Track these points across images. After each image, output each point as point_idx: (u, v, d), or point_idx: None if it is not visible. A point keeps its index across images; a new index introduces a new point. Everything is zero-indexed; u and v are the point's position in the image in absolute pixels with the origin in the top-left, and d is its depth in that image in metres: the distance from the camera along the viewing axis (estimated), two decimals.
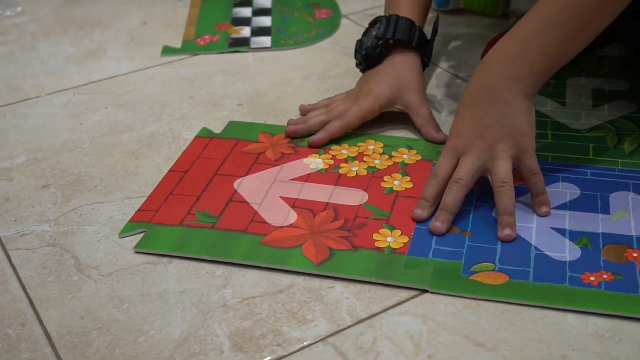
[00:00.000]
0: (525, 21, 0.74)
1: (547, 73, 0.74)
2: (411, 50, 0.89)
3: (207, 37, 1.13)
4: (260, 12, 1.21)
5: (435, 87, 0.97)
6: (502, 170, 0.72)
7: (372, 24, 0.93)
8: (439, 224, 0.71)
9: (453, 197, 0.71)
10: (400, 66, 0.88)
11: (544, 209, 0.73)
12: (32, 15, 1.23)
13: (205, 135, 0.88)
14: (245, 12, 1.21)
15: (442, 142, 0.81)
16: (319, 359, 0.59)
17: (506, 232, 0.70)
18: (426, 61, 0.92)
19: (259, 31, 1.14)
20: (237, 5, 1.23)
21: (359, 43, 0.92)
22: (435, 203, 0.73)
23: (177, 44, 1.11)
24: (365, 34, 0.93)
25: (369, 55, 0.89)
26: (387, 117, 0.89)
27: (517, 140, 0.72)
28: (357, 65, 0.92)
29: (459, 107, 0.77)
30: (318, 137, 0.84)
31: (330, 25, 1.16)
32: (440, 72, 1.00)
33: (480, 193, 0.75)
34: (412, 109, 0.87)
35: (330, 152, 0.84)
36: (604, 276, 0.64)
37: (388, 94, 0.87)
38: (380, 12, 1.15)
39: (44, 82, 1.02)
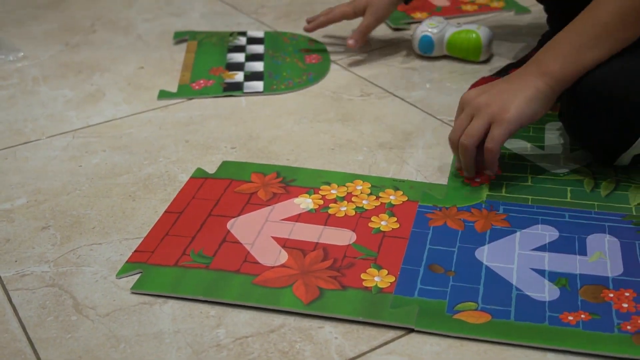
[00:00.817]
0: (563, 33, 0.82)
1: (568, 75, 0.81)
2: None
3: (202, 81, 1.13)
4: (253, 57, 1.22)
5: (419, 129, 0.98)
6: (470, 131, 0.81)
7: None
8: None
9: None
10: None
11: (488, 173, 0.85)
12: (34, 60, 1.23)
13: (199, 176, 0.89)
14: (239, 57, 1.22)
15: (350, 47, 1.18)
16: None
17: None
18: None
19: (251, 76, 1.15)
20: (231, 50, 1.24)
21: None
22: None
23: (173, 88, 1.12)
24: None
25: None
26: (375, 158, 0.91)
27: (499, 112, 0.80)
28: None
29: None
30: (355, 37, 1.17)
31: (320, 70, 1.17)
32: (425, 116, 1.02)
33: (464, 235, 0.76)
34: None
35: (320, 192, 0.84)
36: (582, 316, 0.65)
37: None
38: (366, 59, 1.18)
39: (44, 125, 1.03)
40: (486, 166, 0.83)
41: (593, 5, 0.81)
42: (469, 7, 1.37)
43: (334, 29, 1.31)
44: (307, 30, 1.22)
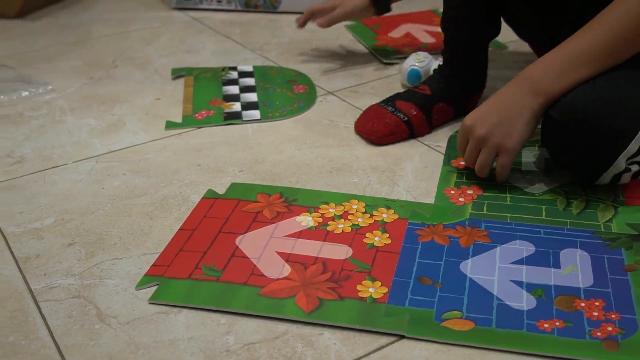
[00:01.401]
0: (556, 52, 0.82)
1: (558, 91, 0.81)
2: None
3: (203, 112, 1.13)
4: (246, 89, 1.21)
5: (407, 154, 0.99)
6: (479, 164, 0.86)
7: None
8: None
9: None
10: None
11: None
12: (61, 92, 1.24)
13: (210, 197, 0.89)
14: (234, 89, 1.21)
15: (318, 25, 1.25)
16: None
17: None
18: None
19: (247, 105, 1.15)
20: (225, 84, 1.24)
21: None
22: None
23: (180, 119, 1.12)
24: None
25: None
26: (368, 180, 0.91)
27: (503, 143, 0.83)
28: None
29: (488, 100, 0.86)
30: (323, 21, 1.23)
31: (308, 99, 1.17)
32: (413, 142, 1.02)
33: (449, 250, 0.76)
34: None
35: (319, 211, 0.84)
36: (557, 323, 0.65)
37: None
38: (360, 90, 1.19)
39: (71, 151, 1.03)
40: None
41: (586, 28, 0.81)
42: None
43: (315, 62, 1.32)
44: (321, 25, 1.26)
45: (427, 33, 1.44)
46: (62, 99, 1.21)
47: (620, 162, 0.79)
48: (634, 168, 0.81)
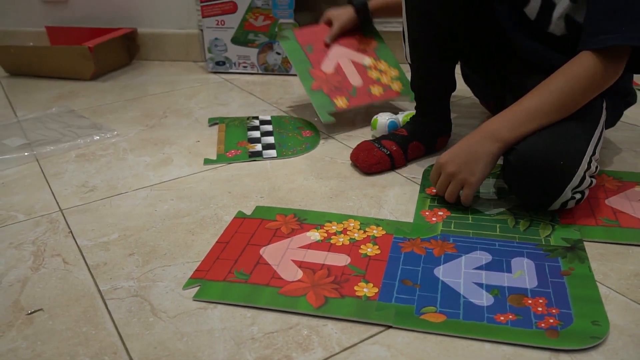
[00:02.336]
0: (512, 109, 0.83)
1: (513, 139, 0.81)
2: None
3: (233, 151, 1.13)
4: (265, 134, 1.22)
5: (391, 184, 0.98)
6: (448, 194, 0.86)
7: None
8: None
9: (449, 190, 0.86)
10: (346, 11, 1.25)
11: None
12: (124, 136, 1.24)
13: (240, 217, 0.88)
14: (256, 134, 1.22)
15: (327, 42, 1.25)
16: None
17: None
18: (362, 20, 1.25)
19: (267, 146, 1.15)
20: (250, 129, 1.24)
21: None
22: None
23: (215, 157, 1.12)
24: None
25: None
26: (361, 204, 0.91)
27: (468, 178, 0.83)
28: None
29: (458, 144, 0.85)
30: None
31: (313, 141, 1.17)
32: (394, 174, 1.02)
33: (425, 259, 0.75)
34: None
35: (324, 227, 0.84)
36: (510, 317, 0.64)
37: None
38: (353, 135, 1.19)
39: (131, 182, 1.03)
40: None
41: (539, 88, 0.81)
42: (375, 91, 1.21)
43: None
44: (326, 42, 1.25)
45: (354, 66, 1.23)
46: (125, 141, 1.21)
47: (567, 193, 0.79)
48: (577, 196, 0.81)
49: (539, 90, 0.81)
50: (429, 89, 1.06)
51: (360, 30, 1.28)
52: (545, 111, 0.80)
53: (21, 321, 0.68)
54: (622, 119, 1.05)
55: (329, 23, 1.28)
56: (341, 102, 0.85)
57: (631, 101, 1.01)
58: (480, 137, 0.83)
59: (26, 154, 1.14)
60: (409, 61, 1.07)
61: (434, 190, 0.90)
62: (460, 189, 0.84)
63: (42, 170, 1.08)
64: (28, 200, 0.97)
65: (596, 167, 0.82)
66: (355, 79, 1.22)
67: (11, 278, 0.76)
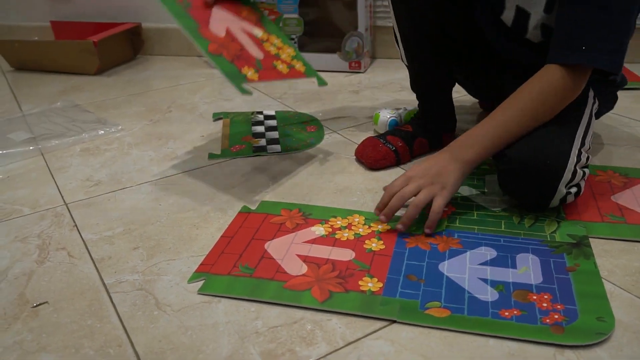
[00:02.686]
0: (479, 127, 0.82)
1: (479, 163, 0.82)
2: None
3: (237, 146, 1.13)
4: (270, 128, 1.21)
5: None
6: (419, 199, 0.79)
7: None
8: (401, 226, 0.79)
9: (411, 213, 0.79)
10: None
11: (427, 230, 0.79)
12: (128, 131, 1.24)
13: (245, 211, 0.88)
14: (260, 129, 1.21)
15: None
16: None
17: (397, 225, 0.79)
18: None
19: (271, 141, 1.15)
20: (254, 124, 1.24)
21: None
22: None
23: (219, 151, 1.12)
24: None
25: None
26: (365, 199, 0.91)
27: (438, 189, 0.79)
28: None
29: (426, 159, 0.83)
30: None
31: (318, 136, 1.17)
32: (399, 170, 1.02)
33: (430, 254, 0.75)
34: None
35: (329, 222, 0.84)
36: (515, 312, 0.64)
37: None
38: (357, 130, 1.19)
39: (135, 176, 1.03)
40: (428, 225, 0.79)
41: (506, 104, 0.81)
42: (281, 67, 0.93)
43: (322, 108, 1.32)
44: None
45: (247, 36, 0.94)
46: (129, 136, 1.22)
47: (561, 189, 0.79)
48: (573, 190, 0.80)
49: (503, 109, 0.81)
50: (427, 86, 1.06)
51: None
52: (510, 130, 0.80)
53: (26, 314, 0.68)
54: (629, 114, 1.05)
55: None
56: (250, 74, 0.75)
57: (621, 84, 1.00)
58: (448, 157, 0.82)
59: (31, 148, 1.14)
60: (406, 62, 1.07)
61: (381, 215, 0.81)
62: (429, 199, 0.79)
63: (47, 164, 1.09)
64: (33, 194, 0.98)
65: (587, 158, 0.82)
66: (254, 50, 0.93)
67: (16, 271, 0.76)
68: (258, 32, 0.82)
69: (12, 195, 0.97)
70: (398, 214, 0.82)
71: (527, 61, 0.87)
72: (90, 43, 1.60)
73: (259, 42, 0.93)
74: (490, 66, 1.01)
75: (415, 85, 1.08)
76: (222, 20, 0.87)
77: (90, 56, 1.62)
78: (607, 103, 1.01)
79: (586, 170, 0.81)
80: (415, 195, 0.79)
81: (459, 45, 1.02)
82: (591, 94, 0.91)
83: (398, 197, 0.79)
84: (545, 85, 0.79)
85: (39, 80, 1.63)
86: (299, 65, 0.86)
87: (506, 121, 0.81)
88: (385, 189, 0.84)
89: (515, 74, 0.88)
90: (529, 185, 0.80)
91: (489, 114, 0.83)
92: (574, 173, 0.78)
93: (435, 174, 0.81)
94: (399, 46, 1.05)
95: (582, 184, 0.81)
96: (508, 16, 0.88)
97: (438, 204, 0.79)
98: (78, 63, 1.64)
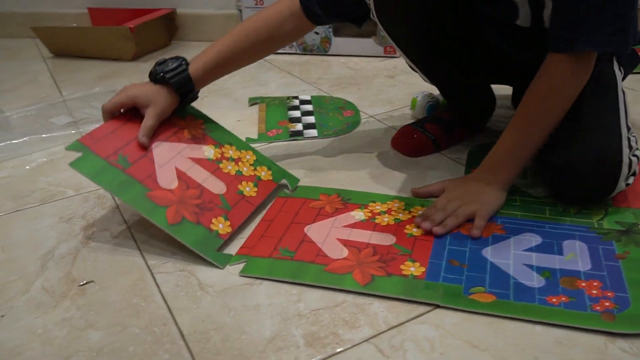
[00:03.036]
0: (501, 144, 0.80)
1: (515, 177, 0.81)
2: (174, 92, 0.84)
3: (274, 131, 1.13)
4: (306, 113, 1.21)
5: (434, 164, 0.97)
6: (462, 211, 0.77)
7: (176, 58, 0.85)
8: (440, 230, 0.75)
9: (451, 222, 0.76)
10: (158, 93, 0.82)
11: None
12: None
13: (283, 196, 0.88)
14: (296, 114, 1.21)
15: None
16: (364, 355, 0.58)
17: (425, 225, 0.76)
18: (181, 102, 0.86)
19: (307, 126, 1.15)
20: (290, 109, 1.23)
21: (163, 61, 0.85)
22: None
23: (256, 136, 1.12)
24: (170, 59, 0.85)
25: (152, 74, 0.83)
26: (403, 184, 0.90)
27: (477, 208, 0.77)
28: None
29: (460, 185, 0.82)
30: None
31: (354, 121, 1.16)
32: (438, 155, 1.00)
33: (473, 239, 0.74)
34: None
35: (368, 207, 0.83)
36: (563, 299, 0.63)
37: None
38: (393, 115, 1.18)
39: None
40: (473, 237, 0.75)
41: (516, 117, 0.79)
42: (248, 191, 0.84)
43: (358, 93, 1.31)
44: (143, 143, 0.80)
45: (198, 165, 0.82)
46: None
47: (621, 184, 0.76)
48: (630, 180, 0.78)
49: (521, 116, 0.78)
50: (446, 78, 1.01)
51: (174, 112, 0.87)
52: (534, 135, 0.78)
53: (74, 292, 0.70)
54: None
55: (134, 109, 0.83)
56: (223, 227, 0.70)
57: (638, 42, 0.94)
58: (484, 183, 0.80)
59: (73, 131, 1.16)
60: (412, 66, 1.00)
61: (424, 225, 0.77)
62: (470, 215, 0.77)
63: None
64: (76, 176, 0.98)
65: (635, 141, 0.79)
66: (214, 185, 0.81)
67: (63, 251, 0.78)
68: (209, 152, 0.71)
69: (56, 178, 0.99)
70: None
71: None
72: (127, 29, 1.61)
73: (214, 168, 0.80)
74: (492, 65, 0.97)
75: (434, 81, 1.03)
76: (167, 161, 0.70)
77: (127, 42, 1.63)
78: (629, 64, 0.94)
79: (638, 152, 0.78)
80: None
81: (457, 46, 0.96)
82: (616, 66, 0.86)
83: (441, 210, 0.78)
84: (554, 81, 0.75)
85: (77, 66, 1.65)
86: (264, 174, 0.76)
87: (527, 128, 0.78)
88: (414, 193, 0.85)
89: (519, 71, 0.84)
90: (587, 189, 0.77)
91: (509, 124, 0.80)
92: (630, 164, 0.76)
93: (474, 193, 0.79)
94: (400, 52, 0.98)
95: (637, 169, 0.78)
96: (524, 17, 0.81)
97: (477, 226, 0.75)
98: (115, 49, 1.66)
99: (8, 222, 0.86)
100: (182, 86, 0.84)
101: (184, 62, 0.85)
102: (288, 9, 0.89)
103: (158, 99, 0.82)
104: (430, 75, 1.01)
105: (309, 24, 0.90)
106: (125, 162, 0.71)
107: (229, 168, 0.74)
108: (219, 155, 0.79)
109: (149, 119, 0.81)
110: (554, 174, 0.80)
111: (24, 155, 1.08)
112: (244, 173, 0.76)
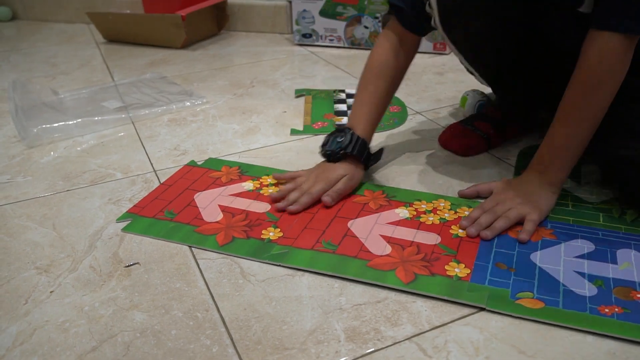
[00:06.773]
0: (548, 142, 0.77)
1: (566, 176, 0.78)
2: (359, 161, 0.87)
3: (319, 123, 1.13)
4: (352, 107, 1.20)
5: (482, 164, 0.95)
6: (511, 213, 0.75)
7: (338, 131, 0.88)
8: (489, 233, 0.73)
9: (500, 224, 0.74)
10: (350, 168, 0.86)
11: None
12: (213, 104, 1.26)
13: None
14: (342, 107, 1.20)
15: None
16: (406, 353, 0.57)
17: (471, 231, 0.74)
18: (366, 168, 0.89)
19: None
20: (336, 102, 1.23)
21: (327, 140, 0.88)
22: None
23: (301, 127, 1.12)
24: (332, 135, 0.88)
25: (331, 155, 0.87)
26: (451, 183, 0.88)
27: (527, 212, 0.75)
28: (320, 153, 0.89)
29: (513, 186, 0.79)
30: (294, 209, 0.80)
31: (401, 117, 1.15)
32: (489, 156, 0.98)
33: (521, 243, 0.72)
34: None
35: (413, 205, 0.82)
36: (616, 309, 0.60)
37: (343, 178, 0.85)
38: (441, 112, 1.16)
39: (220, 148, 1.05)
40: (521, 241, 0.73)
41: (562, 111, 0.75)
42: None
43: (405, 89, 1.29)
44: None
45: (241, 198, 0.85)
46: (214, 109, 1.24)
47: None
48: None
49: (568, 107, 0.74)
50: (508, 86, 0.97)
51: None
52: (585, 128, 0.74)
53: (120, 272, 0.71)
54: None
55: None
56: (274, 234, 0.75)
57: None
58: (537, 183, 0.78)
59: (123, 116, 1.19)
60: (470, 69, 0.94)
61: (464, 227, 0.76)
62: (520, 218, 0.75)
63: (137, 132, 1.13)
64: (124, 159, 1.02)
65: None
66: (258, 208, 0.82)
67: (110, 232, 0.80)
68: (248, 186, 0.79)
69: (106, 160, 1.02)
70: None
71: None
72: (179, 17, 1.63)
73: (255, 195, 0.85)
74: (549, 65, 0.91)
75: (483, 77, 0.97)
76: (209, 202, 0.77)
77: (177, 30, 1.66)
78: None
79: None
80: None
81: (521, 50, 0.91)
82: None
83: (489, 212, 0.76)
84: (604, 64, 0.70)
85: (128, 52, 1.69)
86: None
87: (575, 120, 0.74)
88: (461, 194, 0.83)
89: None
90: None
91: (554, 119, 0.76)
92: None
93: (524, 195, 0.77)
94: (470, 71, 0.95)
95: None
96: (589, 2, 0.75)
97: (527, 231, 0.73)
98: (166, 36, 1.69)
99: (60, 201, 0.89)
100: (366, 159, 0.88)
101: (349, 130, 0.87)
102: (394, 34, 0.89)
103: (355, 174, 0.86)
104: (487, 77, 0.97)
105: (416, 37, 0.89)
106: (171, 214, 0.80)
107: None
108: (258, 185, 0.87)
109: (340, 184, 0.84)
110: (628, 170, 0.75)
111: (76, 137, 1.11)
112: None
